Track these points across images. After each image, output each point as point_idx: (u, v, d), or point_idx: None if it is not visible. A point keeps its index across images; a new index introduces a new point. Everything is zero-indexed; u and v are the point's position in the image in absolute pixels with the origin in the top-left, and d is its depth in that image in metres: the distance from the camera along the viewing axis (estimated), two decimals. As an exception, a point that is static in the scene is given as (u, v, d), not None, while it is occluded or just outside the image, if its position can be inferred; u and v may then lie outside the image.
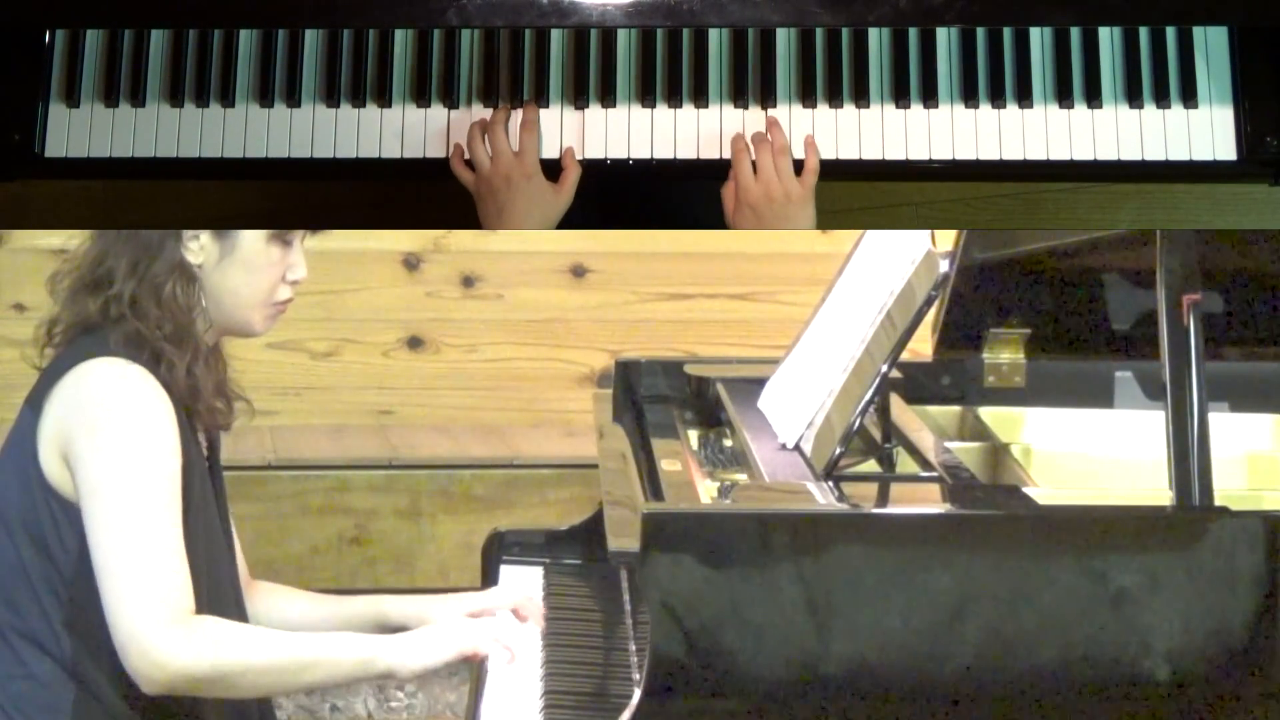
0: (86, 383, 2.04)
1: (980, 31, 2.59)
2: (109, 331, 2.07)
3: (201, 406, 2.11)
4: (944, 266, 2.14)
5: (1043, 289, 2.71)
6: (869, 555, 1.89)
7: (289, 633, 2.10)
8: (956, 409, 2.75)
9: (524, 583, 2.55)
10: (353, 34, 2.60)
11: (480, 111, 2.58)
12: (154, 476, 2.01)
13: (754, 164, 2.49)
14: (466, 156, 2.53)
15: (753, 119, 2.57)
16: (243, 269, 2.12)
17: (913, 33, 2.58)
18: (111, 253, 2.11)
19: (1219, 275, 2.58)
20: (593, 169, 2.56)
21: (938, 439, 2.38)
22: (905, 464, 2.30)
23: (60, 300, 2.13)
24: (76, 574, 2.03)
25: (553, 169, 2.52)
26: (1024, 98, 2.57)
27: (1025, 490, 2.08)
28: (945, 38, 2.59)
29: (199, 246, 2.11)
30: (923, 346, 2.75)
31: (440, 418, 3.91)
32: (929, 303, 2.14)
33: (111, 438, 2.01)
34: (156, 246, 2.10)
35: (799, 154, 2.51)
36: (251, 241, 2.12)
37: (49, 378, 2.07)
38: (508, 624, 2.21)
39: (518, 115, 2.54)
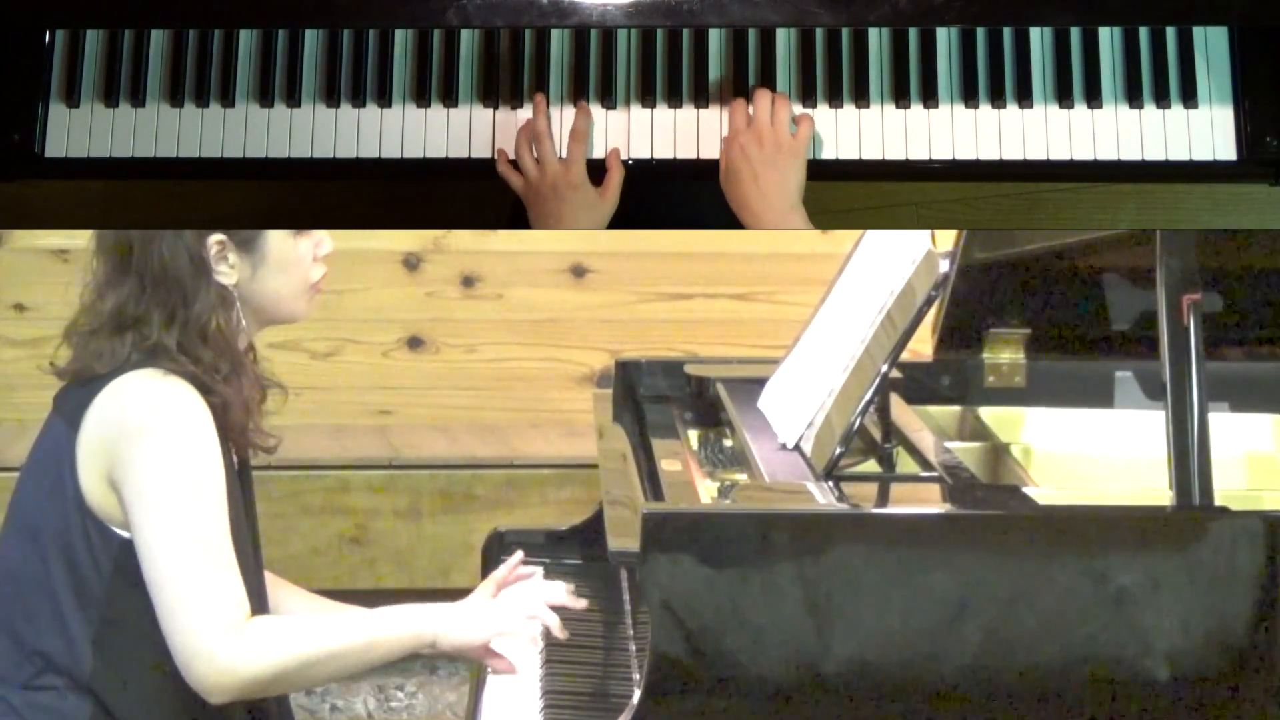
0: (126, 394, 2.01)
1: (980, 31, 2.59)
2: (153, 359, 2.04)
3: (251, 431, 2.12)
4: (944, 266, 2.14)
5: (1043, 289, 2.71)
6: (869, 555, 1.89)
7: (342, 617, 2.11)
8: (956, 409, 2.74)
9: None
10: (353, 34, 2.60)
11: (480, 111, 2.58)
12: (203, 485, 2.00)
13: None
14: (511, 158, 2.54)
15: (753, 119, 2.57)
16: (278, 272, 2.11)
17: (913, 33, 2.58)
18: (133, 299, 2.06)
19: (1219, 275, 2.58)
20: (592, 169, 2.56)
21: (938, 439, 2.37)
22: (905, 464, 2.30)
23: (83, 350, 2.08)
24: (109, 596, 2.03)
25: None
26: (1024, 98, 2.57)
27: (1025, 490, 2.08)
28: (945, 38, 2.59)
29: (229, 268, 2.09)
30: (923, 346, 2.75)
31: (440, 418, 3.90)
32: (929, 303, 2.14)
33: (158, 448, 1.98)
34: (190, 288, 2.06)
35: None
36: (279, 244, 2.11)
37: (86, 392, 2.04)
38: (541, 604, 2.19)
39: (557, 115, 2.55)
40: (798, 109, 2.55)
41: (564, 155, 2.53)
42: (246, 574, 2.10)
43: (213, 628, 1.96)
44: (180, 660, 1.97)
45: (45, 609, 2.05)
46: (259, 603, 2.16)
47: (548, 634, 2.13)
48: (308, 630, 2.05)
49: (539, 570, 2.41)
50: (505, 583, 2.26)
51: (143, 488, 1.98)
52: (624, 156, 2.57)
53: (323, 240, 2.16)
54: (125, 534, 2.02)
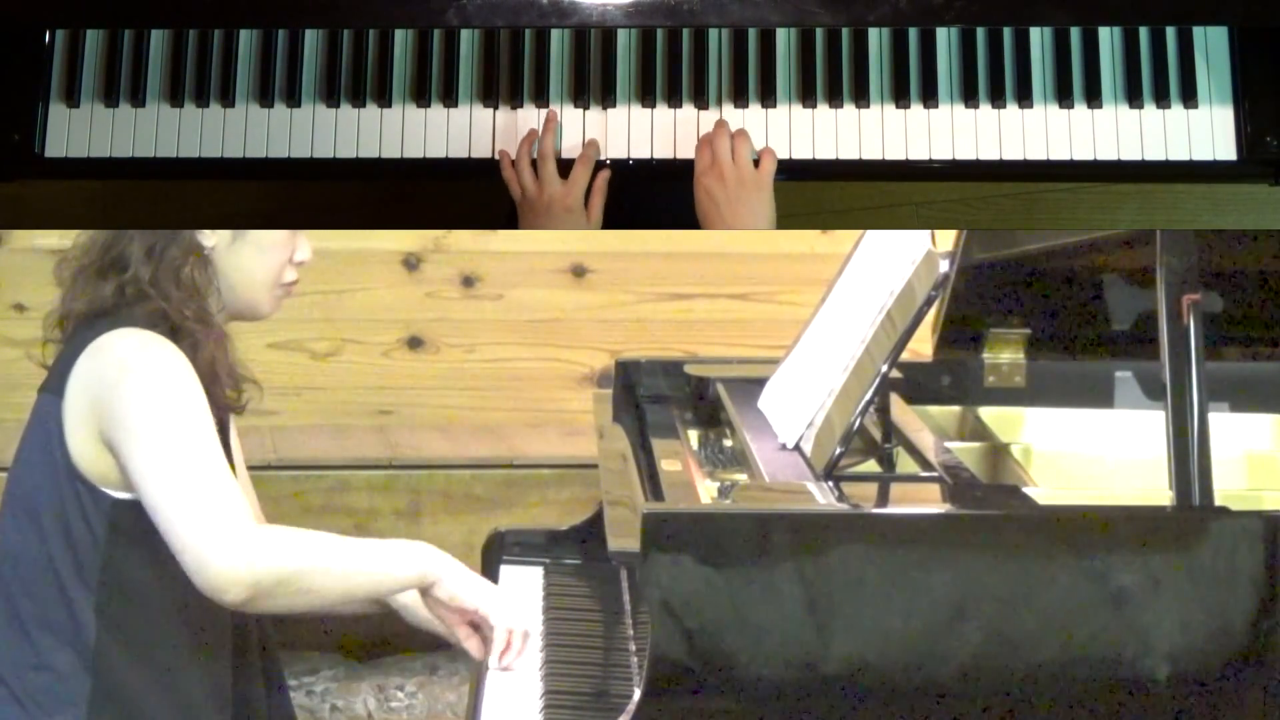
0: (106, 349, 2.07)
1: (980, 31, 2.59)
2: (127, 310, 2.10)
3: (217, 389, 2.14)
4: (944, 266, 2.13)
5: (1043, 289, 2.71)
6: (869, 555, 1.89)
7: (351, 540, 2.12)
8: (956, 409, 2.74)
9: (523, 585, 2.55)
10: (353, 34, 2.60)
11: (480, 111, 2.59)
12: (191, 412, 2.04)
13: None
14: (513, 158, 2.54)
15: (753, 119, 2.57)
16: (254, 249, 2.17)
17: (913, 33, 2.58)
18: (123, 238, 2.14)
19: (1219, 275, 2.58)
20: (593, 169, 2.56)
21: (938, 439, 2.37)
22: (905, 464, 2.30)
23: (69, 289, 2.15)
24: (106, 559, 2.06)
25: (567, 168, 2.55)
26: (1024, 98, 2.57)
27: (1025, 490, 2.08)
28: (945, 38, 2.59)
29: (211, 230, 2.16)
30: (923, 346, 2.75)
31: (440, 418, 3.90)
32: (929, 303, 2.14)
33: (142, 387, 2.03)
34: (171, 231, 2.13)
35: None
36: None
37: (66, 360, 2.09)
38: (523, 626, 2.21)
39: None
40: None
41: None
42: None
43: (221, 530, 1.98)
44: (190, 566, 1.98)
45: (46, 583, 2.08)
46: None
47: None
48: (318, 541, 2.07)
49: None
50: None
51: (134, 424, 2.02)
52: (625, 156, 2.57)
53: (304, 246, 2.22)
54: (115, 494, 2.06)
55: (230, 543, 1.98)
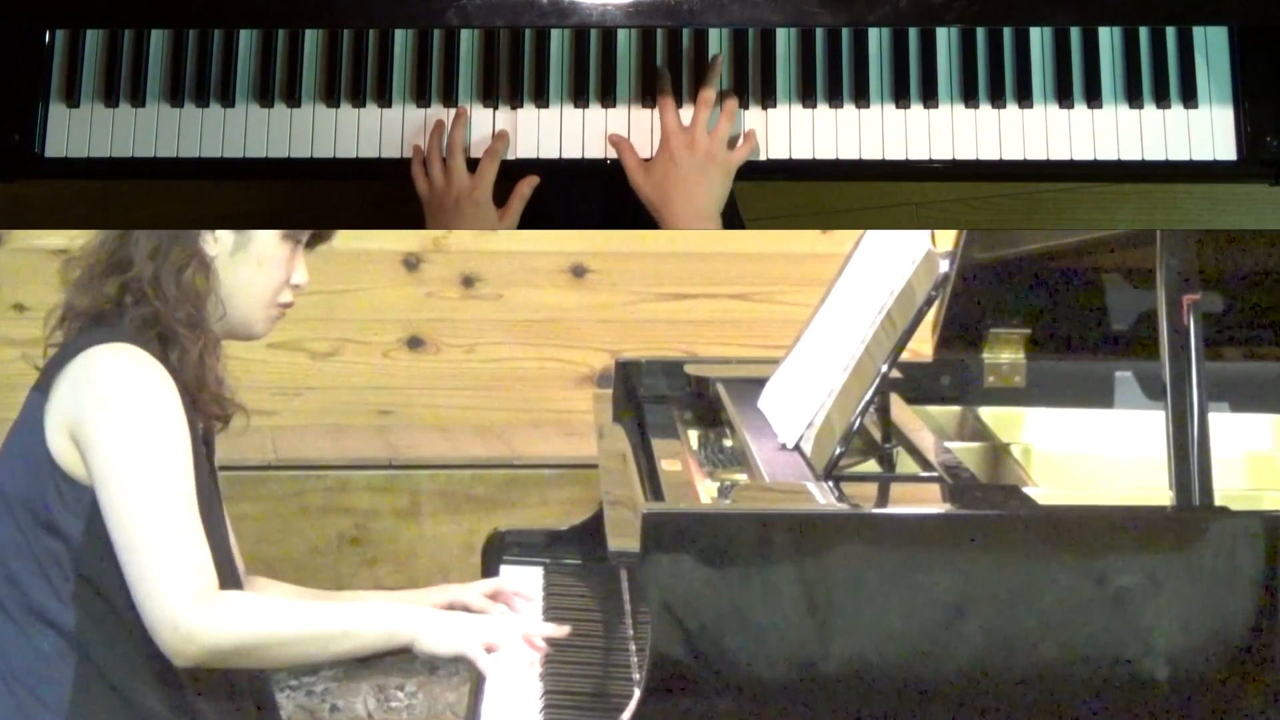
0: (95, 366, 2.06)
1: (980, 31, 2.59)
2: (123, 315, 2.11)
3: (206, 396, 2.14)
4: (944, 266, 2.14)
5: (1043, 289, 2.71)
6: (869, 555, 1.89)
7: (316, 604, 2.12)
8: (956, 409, 2.74)
9: (523, 585, 2.55)
10: (353, 34, 2.60)
11: (481, 112, 2.58)
12: (168, 456, 2.04)
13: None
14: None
15: (752, 119, 2.57)
16: (254, 264, 2.16)
17: (913, 33, 2.58)
18: (130, 239, 2.14)
19: (1219, 275, 2.58)
20: (593, 169, 2.56)
21: (938, 439, 2.37)
22: (905, 464, 2.30)
23: (73, 286, 2.16)
24: (84, 550, 2.06)
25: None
26: (1024, 98, 2.57)
27: (1025, 490, 2.08)
28: (945, 38, 2.59)
29: (214, 239, 2.15)
30: (923, 346, 2.75)
31: (440, 418, 3.91)
32: (929, 303, 2.14)
33: (123, 419, 2.03)
34: (176, 234, 2.14)
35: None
36: (265, 237, 2.16)
37: (57, 362, 2.10)
38: (517, 635, 2.20)
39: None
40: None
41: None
42: (215, 548, 2.11)
43: (178, 594, 1.99)
44: (148, 624, 2.00)
45: (28, 571, 2.08)
46: (228, 572, 2.17)
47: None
48: (279, 610, 2.07)
49: (537, 605, 2.41)
50: (503, 595, 2.31)
51: (108, 457, 2.03)
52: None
53: (301, 269, 2.20)
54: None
55: (188, 609, 1.98)
